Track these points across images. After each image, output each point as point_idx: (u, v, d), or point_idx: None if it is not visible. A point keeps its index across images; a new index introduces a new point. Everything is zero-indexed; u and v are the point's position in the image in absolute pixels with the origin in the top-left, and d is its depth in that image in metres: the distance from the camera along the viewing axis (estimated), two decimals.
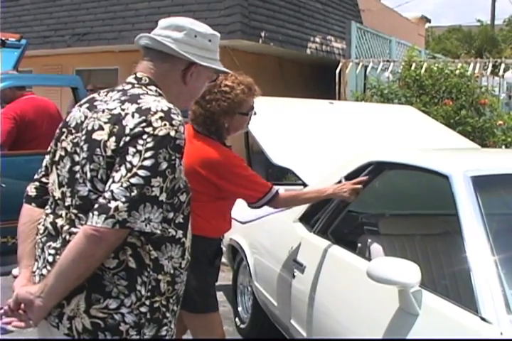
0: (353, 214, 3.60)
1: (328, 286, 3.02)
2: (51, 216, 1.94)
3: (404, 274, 2.18)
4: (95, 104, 1.96)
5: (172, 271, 1.91)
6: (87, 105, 1.98)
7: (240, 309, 4.77)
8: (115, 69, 12.20)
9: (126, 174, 1.75)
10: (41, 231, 1.96)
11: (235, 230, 4.79)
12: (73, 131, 1.94)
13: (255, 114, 3.00)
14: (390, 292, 2.31)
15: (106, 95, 1.99)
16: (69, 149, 1.93)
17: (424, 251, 3.18)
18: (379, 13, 16.01)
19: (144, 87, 1.97)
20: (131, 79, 2.02)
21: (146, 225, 1.75)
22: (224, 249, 5.20)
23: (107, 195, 1.74)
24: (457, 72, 8.77)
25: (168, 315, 1.92)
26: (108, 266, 1.80)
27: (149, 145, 1.77)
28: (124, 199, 1.72)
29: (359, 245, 3.23)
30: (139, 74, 2.01)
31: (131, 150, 1.77)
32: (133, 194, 1.73)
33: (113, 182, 1.75)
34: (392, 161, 3.12)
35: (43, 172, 2.07)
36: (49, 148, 2.05)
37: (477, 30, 27.24)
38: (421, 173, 2.86)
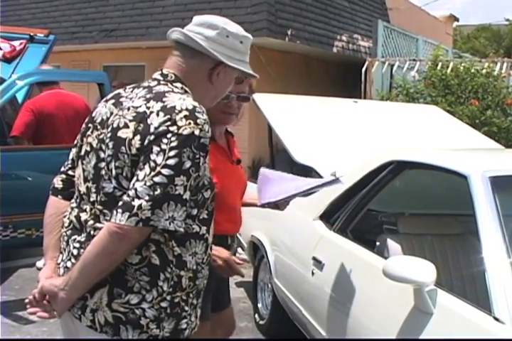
0: (372, 213, 3.62)
1: (346, 284, 3.04)
2: (76, 210, 1.97)
3: (419, 273, 2.20)
4: (121, 100, 1.97)
5: (195, 267, 1.94)
6: (112, 101, 2.00)
7: (259, 305, 4.81)
8: (142, 66, 12.29)
9: (150, 173, 1.77)
10: (66, 225, 2.00)
11: (256, 227, 4.84)
12: (99, 127, 1.96)
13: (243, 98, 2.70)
14: (406, 291, 2.33)
15: (132, 91, 2.00)
16: (94, 145, 1.95)
17: (442, 251, 3.19)
18: (406, 12, 15.91)
19: (169, 84, 1.98)
20: (157, 75, 2.03)
21: (169, 223, 1.78)
22: (245, 245, 5.26)
23: (131, 193, 1.77)
24: (484, 71, 8.69)
25: (187, 308, 1.95)
26: (131, 262, 1.83)
27: (173, 144, 1.79)
28: (147, 197, 1.75)
29: (378, 244, 3.24)
30: (165, 71, 2.03)
31: (156, 149, 1.79)
32: (156, 192, 1.75)
33: (137, 180, 1.78)
34: (413, 161, 3.14)
35: (70, 165, 2.10)
36: (75, 142, 2.08)
37: (506, 29, 26.92)
38: (440, 173, 2.87)
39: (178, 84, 1.99)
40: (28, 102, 6.03)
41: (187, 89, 2.00)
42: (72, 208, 2.01)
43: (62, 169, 2.13)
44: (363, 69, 10.23)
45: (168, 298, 1.88)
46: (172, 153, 1.78)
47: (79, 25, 12.75)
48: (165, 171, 1.77)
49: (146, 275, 1.84)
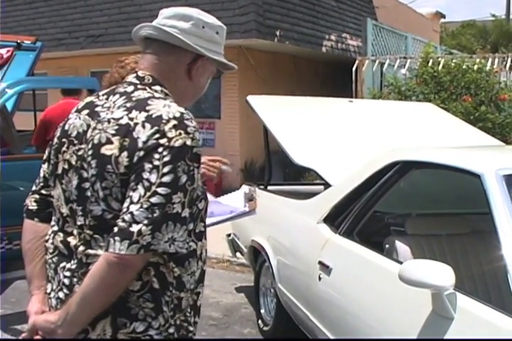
0: (378, 215, 3.55)
1: (357, 289, 2.97)
2: (61, 234, 1.79)
3: (437, 277, 2.13)
4: (97, 110, 1.79)
5: (192, 286, 1.80)
6: (86, 111, 1.81)
7: (262, 311, 4.72)
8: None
9: (145, 193, 1.60)
10: (51, 251, 1.81)
11: (257, 231, 4.76)
12: (75, 142, 1.77)
13: None
14: (422, 295, 2.26)
15: (107, 99, 1.81)
16: (73, 162, 1.76)
17: (452, 251, 3.12)
18: (393, 10, 15.89)
19: (148, 88, 1.80)
20: (132, 78, 1.84)
21: (170, 245, 1.63)
22: (244, 250, 5.18)
23: (127, 217, 1.60)
24: (475, 67, 8.66)
25: (191, 328, 1.83)
26: (132, 289, 1.68)
27: (166, 158, 1.63)
28: (146, 221, 1.59)
29: (386, 246, 3.17)
30: (140, 73, 1.84)
31: (148, 166, 1.62)
32: (155, 215, 1.60)
33: (131, 202, 1.61)
34: (420, 160, 3.06)
35: (42, 184, 1.91)
36: (45, 157, 1.90)
37: (492, 25, 26.98)
38: (450, 172, 2.80)
39: (157, 87, 1.82)
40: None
41: (167, 91, 1.83)
42: (54, 232, 1.82)
43: (34, 188, 1.93)
44: (354, 68, 10.18)
45: (172, 322, 1.74)
46: (166, 169, 1.62)
47: (65, 31, 12.64)
48: (161, 190, 1.61)
49: (149, 302, 1.69)
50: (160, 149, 1.64)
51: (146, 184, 1.61)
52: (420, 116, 5.46)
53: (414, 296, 2.36)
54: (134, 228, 1.59)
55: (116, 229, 1.61)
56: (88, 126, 1.76)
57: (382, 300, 2.72)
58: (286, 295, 3.96)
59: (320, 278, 3.29)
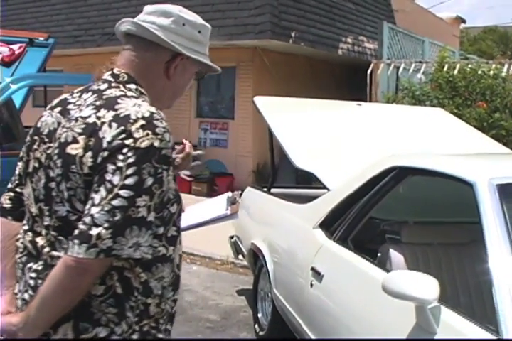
0: (374, 221, 3.46)
1: (346, 297, 2.89)
2: (30, 233, 1.74)
3: (421, 289, 2.04)
4: (68, 107, 1.73)
5: (160, 292, 1.73)
6: (59, 109, 1.75)
7: (259, 315, 4.65)
8: None
9: (106, 195, 1.54)
10: (21, 250, 1.77)
11: (256, 234, 4.69)
12: (46, 140, 1.72)
13: None
14: (409, 306, 2.17)
15: (80, 97, 1.76)
16: (43, 161, 1.71)
17: (448, 261, 3.03)
18: (413, 14, 15.73)
19: (122, 86, 1.74)
20: (107, 76, 1.78)
21: (135, 251, 1.57)
22: (245, 252, 5.11)
23: (87, 220, 1.54)
24: (491, 73, 8.51)
25: (160, 336, 1.75)
26: (95, 293, 1.62)
27: (131, 160, 1.56)
28: (106, 224, 1.53)
29: (380, 254, 3.08)
30: (116, 71, 1.78)
31: (111, 167, 1.56)
32: (116, 218, 1.53)
33: (93, 205, 1.55)
34: (416, 166, 2.97)
35: (17, 182, 1.86)
36: (21, 154, 1.85)
37: None
38: (445, 180, 2.70)
39: (132, 86, 1.76)
40: None
41: (142, 90, 1.77)
42: (24, 231, 1.77)
43: (10, 186, 1.88)
44: (369, 72, 10.08)
45: (137, 328, 1.68)
46: (130, 171, 1.55)
47: (81, 28, 12.67)
48: (124, 192, 1.54)
49: (113, 307, 1.63)
50: (124, 150, 1.58)
51: (109, 186, 1.56)
52: (429, 122, 5.35)
53: (402, 308, 2.27)
54: (94, 231, 1.53)
55: (76, 232, 1.56)
56: (59, 124, 1.72)
57: (370, 311, 2.64)
58: (280, 300, 3.89)
59: (312, 285, 3.21)
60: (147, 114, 1.64)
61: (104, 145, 1.59)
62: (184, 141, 2.47)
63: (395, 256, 3.00)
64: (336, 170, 4.07)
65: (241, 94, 11.73)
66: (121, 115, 1.63)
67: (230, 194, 2.62)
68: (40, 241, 1.70)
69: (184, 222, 2.53)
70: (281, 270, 3.98)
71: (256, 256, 4.67)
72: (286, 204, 4.35)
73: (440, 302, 2.11)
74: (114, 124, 1.61)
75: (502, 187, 2.32)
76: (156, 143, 1.60)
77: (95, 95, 1.73)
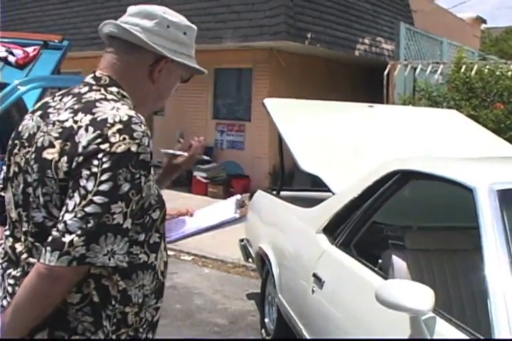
0: (377, 226, 3.38)
1: (345, 305, 2.82)
2: (10, 239, 1.71)
3: (415, 299, 1.97)
4: (48, 111, 1.69)
5: (141, 300, 1.69)
6: (39, 113, 1.71)
7: (266, 320, 4.59)
8: None
9: (80, 202, 1.50)
10: (2, 255, 1.73)
11: (263, 237, 4.63)
12: (26, 144, 1.69)
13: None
14: (406, 316, 2.09)
15: (60, 100, 1.72)
16: (22, 165, 1.68)
17: (452, 268, 2.94)
18: (432, 14, 15.54)
19: (103, 90, 1.69)
20: (89, 79, 1.74)
21: (109, 259, 1.52)
22: (253, 255, 5.05)
23: (61, 226, 1.50)
24: (509, 73, 8.37)
25: None
26: (70, 302, 1.58)
27: (106, 165, 1.52)
28: (79, 231, 1.49)
29: (382, 261, 3.00)
30: (98, 73, 1.74)
31: (85, 172, 1.52)
32: (89, 225, 1.49)
33: (66, 211, 1.51)
34: (418, 170, 2.88)
35: (1, 186, 1.83)
36: (5, 158, 1.83)
37: None
38: (446, 185, 2.61)
39: (114, 89, 1.71)
40: None
41: (125, 93, 1.72)
42: (6, 236, 1.74)
43: None
44: (385, 73, 9.97)
45: (115, 337, 1.63)
46: (105, 177, 1.52)
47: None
48: (98, 199, 1.51)
49: (89, 316, 1.59)
50: (100, 155, 1.53)
51: (83, 192, 1.52)
52: (442, 124, 5.25)
53: (400, 317, 2.19)
54: (66, 238, 1.49)
55: (49, 239, 1.52)
56: (38, 128, 1.68)
57: (370, 321, 2.56)
58: (284, 306, 3.82)
59: (313, 291, 3.14)
60: (125, 118, 1.59)
61: (80, 150, 1.55)
62: (195, 140, 2.39)
63: (398, 262, 2.92)
64: (343, 174, 3.99)
65: (257, 96, 11.66)
66: (99, 119, 1.58)
67: (238, 197, 2.58)
68: (19, 247, 1.67)
69: (193, 226, 2.51)
70: (285, 275, 3.91)
71: (263, 260, 4.61)
72: (293, 207, 4.28)
73: (437, 312, 2.03)
74: (91, 128, 1.56)
75: (503, 193, 2.23)
76: (134, 148, 1.55)
77: (75, 98, 1.68)
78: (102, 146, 1.54)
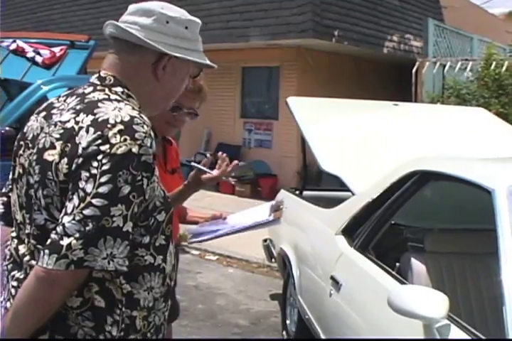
0: (397, 228, 3.29)
1: (362, 309, 2.74)
2: (15, 241, 1.70)
3: (428, 307, 1.89)
4: (52, 112, 1.67)
5: (151, 304, 1.65)
6: (44, 114, 1.69)
7: (288, 322, 4.53)
8: None
9: (79, 204, 1.48)
10: (8, 257, 1.72)
11: (285, 238, 4.57)
12: (30, 145, 1.67)
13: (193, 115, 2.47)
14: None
15: (64, 101, 1.68)
16: (26, 167, 1.66)
17: (474, 272, 2.84)
18: (463, 10, 15.29)
19: (107, 90, 1.66)
20: (94, 79, 1.71)
21: (108, 262, 1.48)
22: (276, 256, 5.00)
23: (59, 229, 1.48)
24: None
25: None
26: (71, 305, 1.55)
27: (105, 167, 1.49)
28: (77, 234, 1.46)
29: (401, 264, 2.92)
30: (102, 73, 1.71)
31: (85, 174, 1.49)
32: (88, 228, 1.46)
33: (65, 213, 1.49)
34: (438, 171, 2.79)
35: (10, 186, 1.80)
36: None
37: None
38: (465, 186, 2.52)
39: (119, 89, 1.68)
40: None
41: (130, 93, 1.69)
42: (12, 238, 1.72)
43: (4, 190, 1.85)
44: (414, 70, 9.82)
45: None
46: (104, 179, 1.48)
47: None
48: (96, 201, 1.47)
49: (89, 321, 1.55)
50: (99, 156, 1.50)
51: (82, 194, 1.48)
52: (469, 123, 5.11)
53: (417, 324, 2.12)
54: (64, 241, 1.46)
55: (48, 241, 1.49)
56: (41, 129, 1.65)
57: (384, 326, 2.48)
58: (304, 308, 3.76)
59: (331, 294, 3.07)
60: (127, 118, 1.55)
61: (80, 151, 1.52)
62: (221, 157, 2.41)
63: (417, 266, 2.84)
64: (365, 174, 3.91)
65: (285, 94, 11.56)
66: (100, 119, 1.55)
67: (273, 202, 2.56)
68: (22, 249, 1.65)
69: (226, 227, 2.51)
70: (305, 277, 3.85)
71: (284, 261, 4.55)
72: (314, 208, 4.21)
73: (451, 319, 1.95)
74: (92, 129, 1.53)
75: None
76: (135, 149, 1.51)
77: (78, 99, 1.65)
78: (102, 147, 1.50)
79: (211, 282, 6.23)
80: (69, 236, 1.46)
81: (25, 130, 1.73)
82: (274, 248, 5.12)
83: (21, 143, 1.71)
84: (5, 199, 1.84)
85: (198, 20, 1.79)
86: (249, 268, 6.89)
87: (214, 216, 2.61)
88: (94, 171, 1.49)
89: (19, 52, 7.50)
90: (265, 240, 5.44)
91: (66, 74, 6.53)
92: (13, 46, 7.54)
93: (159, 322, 1.71)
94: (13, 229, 1.74)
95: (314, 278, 3.58)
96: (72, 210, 1.48)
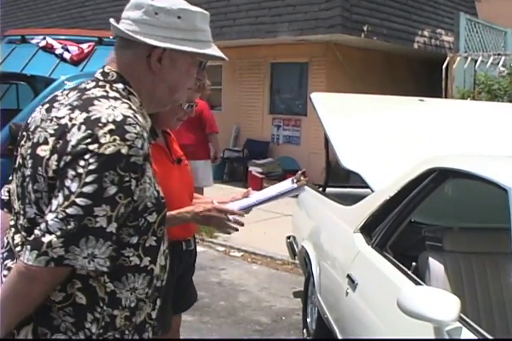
0: (415, 226, 3.21)
1: (377, 309, 2.68)
2: (13, 229, 1.70)
3: (438, 309, 1.83)
4: (54, 105, 1.66)
5: (133, 304, 1.63)
6: (47, 106, 1.68)
7: (308, 320, 4.48)
8: (219, 66, 12.16)
9: (63, 202, 1.47)
10: (5, 245, 1.72)
11: (306, 235, 4.51)
12: (30, 137, 1.66)
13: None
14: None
15: (67, 95, 1.68)
16: (23, 158, 1.67)
17: (495, 273, 2.76)
18: (497, 4, 14.99)
19: (108, 86, 1.66)
20: (98, 74, 1.71)
21: (89, 262, 1.49)
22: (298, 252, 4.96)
23: (42, 226, 1.48)
24: None
25: None
26: (53, 299, 1.55)
27: (92, 167, 1.48)
28: (59, 232, 1.46)
29: (419, 263, 2.85)
30: (106, 69, 1.71)
31: (71, 173, 1.49)
32: (69, 227, 1.46)
33: (50, 211, 1.49)
34: (456, 168, 2.71)
35: (11, 176, 1.84)
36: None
37: None
38: (483, 184, 2.44)
39: (120, 85, 1.67)
40: None
41: (131, 90, 1.68)
42: (10, 226, 1.73)
43: (10, 178, 1.82)
44: (444, 66, 9.66)
45: (100, 338, 1.58)
46: (90, 179, 1.47)
47: None
48: (80, 201, 1.47)
49: (70, 316, 1.55)
50: (87, 156, 1.49)
51: (66, 192, 1.48)
52: (499, 120, 4.97)
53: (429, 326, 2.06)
54: (46, 238, 1.47)
55: (31, 238, 1.50)
56: (41, 121, 1.65)
57: (398, 327, 2.42)
58: (322, 307, 3.71)
59: (347, 293, 3.02)
60: (119, 118, 1.53)
61: (69, 149, 1.51)
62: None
63: (435, 265, 2.77)
64: (386, 171, 3.83)
65: (314, 90, 11.39)
66: (92, 118, 1.53)
67: (293, 177, 2.67)
68: (18, 238, 1.66)
69: (249, 202, 2.58)
70: (323, 275, 3.80)
71: (305, 259, 4.50)
72: (334, 205, 4.15)
73: (462, 321, 1.88)
74: (83, 127, 1.52)
75: None
76: (124, 150, 1.50)
77: (78, 94, 1.64)
78: (91, 147, 1.49)
79: (235, 279, 6.21)
80: (51, 233, 1.47)
81: (28, 121, 1.73)
82: (297, 245, 5.07)
83: (24, 133, 1.72)
84: (10, 186, 1.83)
85: (195, 8, 1.74)
86: (274, 265, 6.85)
87: (234, 197, 2.65)
88: (80, 170, 1.48)
89: (48, 49, 7.58)
90: (288, 237, 5.39)
91: (91, 70, 6.57)
92: (43, 43, 7.62)
93: (140, 320, 1.69)
94: (12, 217, 1.75)
95: (332, 276, 3.52)
96: (56, 208, 1.49)
